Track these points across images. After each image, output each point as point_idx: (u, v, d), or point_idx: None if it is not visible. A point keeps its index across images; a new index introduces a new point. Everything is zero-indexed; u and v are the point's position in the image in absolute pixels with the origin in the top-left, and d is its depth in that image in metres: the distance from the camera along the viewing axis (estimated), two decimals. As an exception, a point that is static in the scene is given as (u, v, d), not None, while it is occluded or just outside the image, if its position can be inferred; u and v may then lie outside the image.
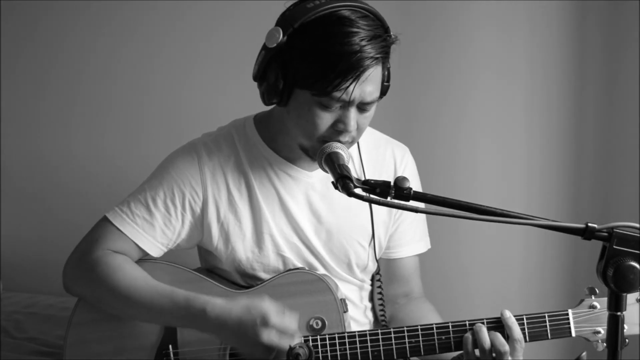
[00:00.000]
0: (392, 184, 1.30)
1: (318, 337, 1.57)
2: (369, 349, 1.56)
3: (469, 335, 1.54)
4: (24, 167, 2.69)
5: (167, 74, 2.56)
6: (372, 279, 1.81)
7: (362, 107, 1.52)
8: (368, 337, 1.56)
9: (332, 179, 1.40)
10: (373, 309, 1.82)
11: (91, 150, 2.63)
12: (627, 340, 1.45)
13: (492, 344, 1.52)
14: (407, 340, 1.56)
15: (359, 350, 1.56)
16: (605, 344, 1.28)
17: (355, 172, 1.70)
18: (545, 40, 2.31)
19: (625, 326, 1.34)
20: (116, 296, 1.58)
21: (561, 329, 1.55)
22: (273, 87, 1.53)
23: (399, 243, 1.78)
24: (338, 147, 1.48)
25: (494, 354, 1.52)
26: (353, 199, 1.31)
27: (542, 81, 2.33)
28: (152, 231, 1.64)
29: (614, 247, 1.15)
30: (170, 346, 1.61)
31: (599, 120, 2.32)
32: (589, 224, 1.16)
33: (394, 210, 1.74)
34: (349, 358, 1.56)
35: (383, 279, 1.77)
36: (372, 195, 1.31)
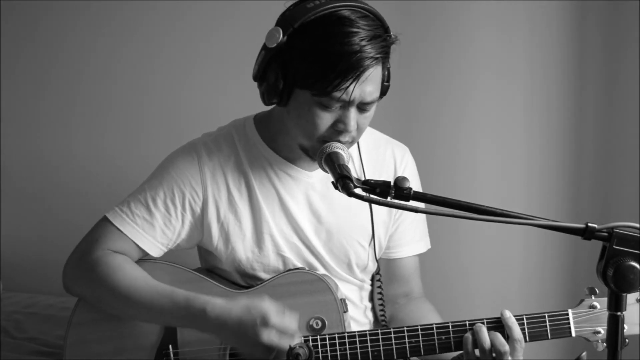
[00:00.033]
0: (392, 184, 1.30)
1: (318, 337, 1.57)
2: (369, 349, 1.56)
3: (469, 335, 1.54)
4: (24, 167, 2.69)
5: (167, 74, 2.56)
6: (372, 279, 1.81)
7: (362, 107, 1.52)
8: (368, 337, 1.56)
9: (332, 179, 1.40)
10: (373, 309, 1.83)
11: (91, 150, 2.63)
12: (627, 340, 1.45)
13: (492, 344, 1.52)
14: (407, 340, 1.56)
15: (359, 350, 1.56)
16: (605, 344, 1.28)
17: (355, 172, 1.70)
18: (545, 40, 2.31)
19: (625, 326, 1.34)
20: (116, 296, 1.58)
21: (561, 329, 1.55)
22: (273, 87, 1.53)
23: (399, 243, 1.78)
24: (338, 147, 1.48)
25: (494, 354, 1.52)
26: (353, 199, 1.31)
27: (542, 81, 2.33)
28: (152, 231, 1.64)
29: (614, 247, 1.15)
30: (170, 346, 1.61)
31: (599, 120, 2.32)
32: (589, 224, 1.16)
33: (394, 210, 1.74)
34: (349, 358, 1.56)
35: (383, 278, 1.77)
36: (372, 195, 1.31)
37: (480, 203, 1.25)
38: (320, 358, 1.56)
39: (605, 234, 1.16)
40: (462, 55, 2.36)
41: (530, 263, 2.42)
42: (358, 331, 1.58)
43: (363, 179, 1.36)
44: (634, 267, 1.14)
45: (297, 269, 1.68)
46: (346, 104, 1.50)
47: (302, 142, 1.57)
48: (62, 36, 2.62)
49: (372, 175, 1.70)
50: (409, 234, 1.78)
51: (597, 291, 1.55)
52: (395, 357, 1.57)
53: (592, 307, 1.54)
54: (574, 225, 1.17)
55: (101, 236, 1.63)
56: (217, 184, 1.66)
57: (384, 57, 1.51)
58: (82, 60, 2.61)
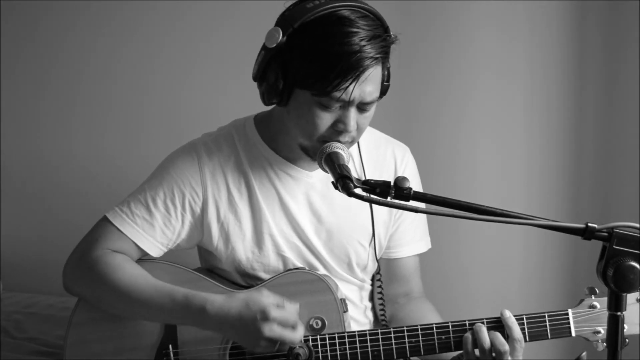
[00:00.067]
0: (392, 184, 1.30)
1: (318, 337, 1.57)
2: (369, 349, 1.56)
3: (468, 335, 1.54)
4: (24, 167, 2.69)
5: (167, 74, 2.56)
6: (373, 279, 1.81)
7: (362, 107, 1.52)
8: (368, 337, 1.57)
9: (332, 179, 1.40)
10: (373, 308, 1.83)
11: (91, 150, 2.63)
12: (627, 340, 1.45)
13: (492, 344, 1.52)
14: (407, 340, 1.56)
15: (358, 350, 1.56)
16: (605, 344, 1.28)
17: (355, 171, 1.70)
18: (545, 40, 2.31)
19: (625, 326, 1.34)
20: (116, 295, 1.58)
21: (561, 329, 1.55)
22: (273, 87, 1.53)
23: (400, 243, 1.78)
24: (338, 147, 1.48)
25: (493, 354, 1.52)
26: (353, 199, 1.31)
27: (542, 81, 2.33)
28: (151, 231, 1.64)
29: (614, 247, 1.15)
30: (170, 346, 1.61)
31: (599, 120, 2.32)
32: (589, 224, 1.16)
33: (395, 210, 1.74)
34: (348, 358, 1.56)
35: (383, 278, 1.77)
36: (372, 196, 1.31)
37: (480, 203, 1.25)
38: (320, 358, 1.56)
39: (605, 234, 1.16)
40: (462, 55, 2.36)
41: (530, 263, 2.42)
42: (358, 331, 1.58)
43: (363, 178, 1.36)
44: (634, 267, 1.14)
45: (297, 268, 1.68)
46: (346, 104, 1.50)
47: (302, 142, 1.57)
48: (62, 36, 2.62)
49: (373, 174, 1.70)
50: (409, 233, 1.78)
51: (597, 291, 1.55)
52: (395, 357, 1.57)
53: (592, 307, 1.54)
54: (574, 225, 1.17)
55: (101, 236, 1.63)
56: (217, 184, 1.66)
57: (383, 57, 1.51)
58: (82, 60, 2.61)
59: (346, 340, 1.57)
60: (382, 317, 1.78)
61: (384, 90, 1.57)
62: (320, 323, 1.60)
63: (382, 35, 1.49)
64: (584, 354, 1.49)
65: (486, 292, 2.43)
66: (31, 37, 2.63)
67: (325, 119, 1.51)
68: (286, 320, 1.48)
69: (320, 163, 1.48)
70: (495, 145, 2.40)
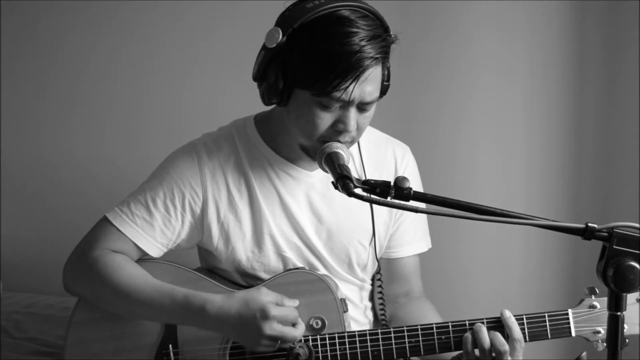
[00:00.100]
0: (392, 184, 1.30)
1: (318, 336, 1.57)
2: (369, 349, 1.56)
3: (468, 335, 1.54)
4: (24, 167, 2.69)
5: (167, 74, 2.56)
6: (373, 279, 1.81)
7: (362, 107, 1.52)
8: (368, 337, 1.57)
9: (332, 179, 1.40)
10: (373, 308, 1.83)
11: (91, 150, 2.63)
12: (627, 340, 1.45)
13: (492, 344, 1.52)
14: (407, 340, 1.56)
15: (358, 350, 1.56)
16: (605, 344, 1.28)
17: (355, 171, 1.70)
18: (545, 40, 2.31)
19: (625, 326, 1.34)
20: (116, 294, 1.58)
21: (561, 329, 1.55)
22: (273, 87, 1.53)
23: (400, 243, 1.78)
24: (338, 147, 1.48)
25: (493, 354, 1.52)
26: (354, 199, 1.31)
27: (542, 81, 2.33)
28: (151, 231, 1.64)
29: (614, 247, 1.15)
30: (170, 346, 1.61)
31: (599, 120, 2.32)
32: (589, 224, 1.16)
33: (395, 209, 1.73)
34: (348, 358, 1.56)
35: (383, 278, 1.77)
36: (372, 196, 1.31)
37: (480, 203, 1.25)
38: (320, 358, 1.56)
39: (605, 234, 1.16)
40: (462, 55, 2.36)
41: (530, 263, 2.42)
42: (358, 331, 1.58)
43: (363, 178, 1.36)
44: (634, 267, 1.14)
45: (297, 268, 1.68)
46: (346, 104, 1.50)
47: (302, 142, 1.57)
48: (62, 36, 2.62)
49: (373, 174, 1.70)
50: (409, 233, 1.78)
51: (597, 291, 1.55)
52: (395, 357, 1.57)
53: (592, 307, 1.54)
54: (574, 225, 1.17)
55: (101, 236, 1.63)
56: (217, 184, 1.66)
57: (383, 57, 1.51)
58: (82, 60, 2.61)
59: (346, 340, 1.57)
60: (382, 317, 1.78)
61: (384, 90, 1.57)
62: (320, 323, 1.60)
63: (382, 35, 1.49)
64: (584, 354, 1.49)
65: (486, 292, 2.43)
66: (31, 37, 2.63)
67: (325, 119, 1.51)
68: (286, 317, 1.49)
69: (320, 163, 1.48)
70: (495, 145, 2.40)
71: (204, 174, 1.65)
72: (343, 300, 1.64)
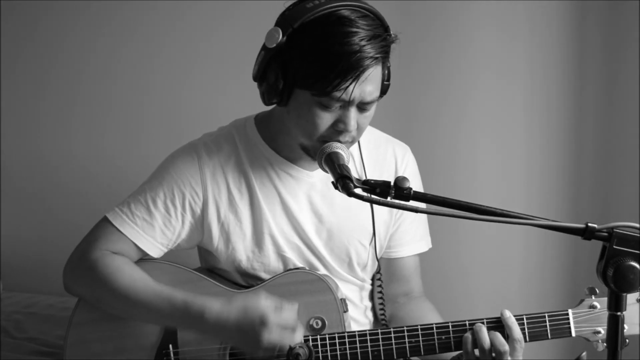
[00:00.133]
0: (392, 184, 1.30)
1: (318, 337, 1.57)
2: (369, 349, 1.56)
3: (468, 335, 1.54)
4: (24, 167, 2.69)
5: (167, 74, 2.56)
6: (372, 279, 1.81)
7: (362, 106, 1.52)
8: (368, 337, 1.57)
9: (332, 179, 1.40)
10: (373, 308, 1.83)
11: (91, 150, 2.63)
12: (627, 340, 1.45)
13: (492, 344, 1.52)
14: (407, 340, 1.56)
15: (359, 350, 1.56)
16: (605, 344, 1.28)
17: (356, 171, 1.70)
18: (545, 40, 2.31)
19: (625, 326, 1.35)
20: (115, 297, 1.58)
21: (561, 329, 1.55)
22: (273, 87, 1.52)
23: (400, 242, 1.78)
24: (338, 147, 1.48)
25: (493, 354, 1.52)
26: (354, 199, 1.31)
27: (542, 81, 2.33)
28: (151, 232, 1.64)
29: (614, 247, 1.15)
30: (170, 346, 1.61)
31: (599, 120, 2.32)
32: (589, 224, 1.16)
33: (395, 209, 1.73)
34: (349, 358, 1.56)
35: (383, 278, 1.77)
36: (372, 196, 1.31)
37: (480, 203, 1.25)
38: (320, 358, 1.56)
39: (605, 234, 1.16)
40: (462, 55, 2.35)
41: (530, 263, 2.42)
42: (358, 331, 1.58)
43: (364, 178, 1.36)
44: (634, 267, 1.14)
45: (297, 268, 1.68)
46: (346, 104, 1.50)
47: (302, 142, 1.57)
48: (62, 36, 2.62)
49: (373, 174, 1.70)
50: (409, 233, 1.78)
51: (597, 291, 1.55)
52: (395, 357, 1.57)
53: (592, 307, 1.54)
54: (574, 225, 1.17)
55: (101, 237, 1.63)
56: (218, 184, 1.66)
57: (383, 57, 1.50)
58: (82, 60, 2.61)
59: (346, 340, 1.57)
60: (382, 317, 1.78)
61: (384, 90, 1.57)
62: (320, 323, 1.60)
63: (382, 34, 1.48)
64: (584, 354, 1.49)
65: (486, 292, 2.43)
66: (31, 37, 2.63)
67: (325, 119, 1.51)
68: (285, 323, 1.48)
69: (320, 163, 1.48)
70: (495, 145, 2.40)
71: (204, 174, 1.65)
72: (343, 300, 1.64)
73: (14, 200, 2.68)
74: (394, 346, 1.56)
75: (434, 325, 1.56)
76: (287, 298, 1.57)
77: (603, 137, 2.32)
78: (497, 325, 1.54)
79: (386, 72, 1.55)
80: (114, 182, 2.55)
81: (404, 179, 1.30)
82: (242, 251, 1.67)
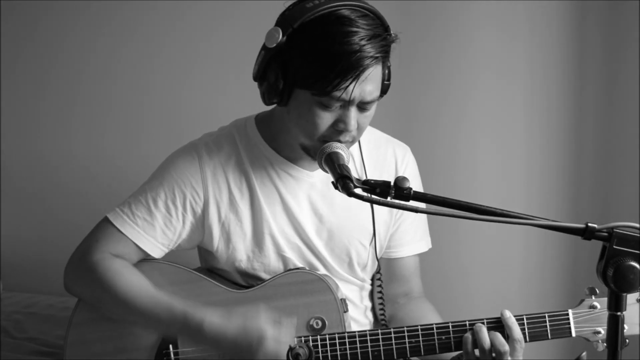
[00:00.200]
0: (392, 184, 1.30)
1: (318, 337, 1.57)
2: (369, 349, 1.56)
3: (468, 335, 1.54)
4: (24, 167, 2.69)
5: (167, 74, 2.56)
6: (372, 279, 1.81)
7: (363, 106, 1.52)
8: (368, 337, 1.56)
9: (332, 179, 1.40)
10: (373, 308, 1.82)
11: (91, 150, 2.63)
12: (627, 340, 1.45)
13: (492, 344, 1.52)
14: (407, 340, 1.56)
15: (359, 350, 1.56)
16: (605, 344, 1.28)
17: (356, 171, 1.70)
18: (545, 40, 2.31)
19: (625, 326, 1.35)
20: (114, 301, 1.58)
21: (561, 329, 1.55)
22: (273, 87, 1.52)
23: (400, 243, 1.78)
24: (338, 147, 1.48)
25: (493, 354, 1.52)
26: (354, 199, 1.31)
27: (542, 81, 2.33)
28: (152, 232, 1.63)
29: (614, 247, 1.15)
30: (170, 346, 1.61)
31: (599, 120, 2.32)
32: (589, 224, 1.16)
33: (395, 209, 1.73)
34: (349, 358, 1.56)
35: (383, 278, 1.77)
36: (372, 196, 1.30)
37: (480, 203, 1.24)
38: (321, 358, 1.56)
39: (605, 234, 1.16)
40: (462, 55, 2.35)
41: (530, 263, 2.42)
42: (358, 331, 1.58)
43: (364, 178, 1.36)
44: (634, 267, 1.14)
45: (298, 268, 1.68)
46: (346, 104, 1.50)
47: (303, 142, 1.57)
48: (62, 36, 2.62)
49: (373, 174, 1.70)
50: (409, 233, 1.78)
51: (597, 291, 1.55)
52: (395, 357, 1.57)
53: (592, 307, 1.54)
54: (574, 225, 1.17)
55: (102, 238, 1.63)
56: (218, 184, 1.66)
57: (383, 56, 1.50)
58: (82, 60, 2.61)
59: (346, 340, 1.57)
60: (382, 317, 1.78)
61: (384, 90, 1.56)
62: (320, 323, 1.60)
63: (382, 34, 1.48)
64: (584, 354, 1.49)
65: (486, 292, 2.43)
66: (31, 37, 2.63)
67: (325, 119, 1.51)
68: (283, 339, 1.49)
69: (320, 163, 1.48)
70: (495, 145, 2.40)
71: (204, 173, 1.65)
72: (343, 301, 1.64)
73: (14, 200, 2.68)
74: (394, 346, 1.56)
75: (434, 326, 1.56)
76: (287, 298, 1.57)
77: (603, 137, 2.32)
78: (497, 325, 1.54)
79: (386, 71, 1.55)
80: (114, 182, 2.55)
81: (404, 179, 1.30)
82: (243, 251, 1.67)
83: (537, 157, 2.38)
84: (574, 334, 1.55)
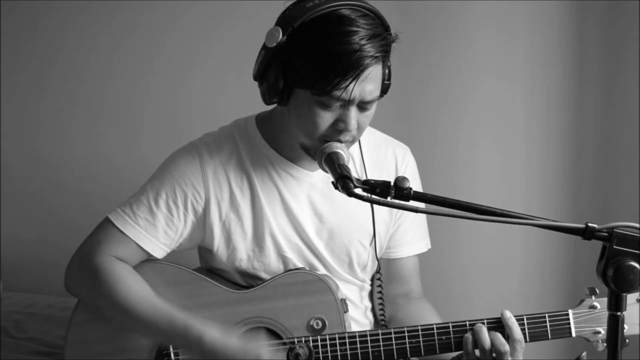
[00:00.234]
0: (392, 184, 1.30)
1: (318, 337, 1.57)
2: (369, 349, 1.56)
3: (469, 335, 1.54)
4: (24, 167, 2.69)
5: (167, 74, 2.56)
6: (372, 279, 1.81)
7: (363, 106, 1.52)
8: (368, 338, 1.56)
9: (332, 179, 1.40)
10: (373, 309, 1.82)
11: (91, 150, 2.63)
12: (627, 340, 1.45)
13: (492, 344, 1.52)
14: (407, 340, 1.56)
15: (359, 351, 1.56)
16: (605, 344, 1.28)
17: (356, 171, 1.70)
18: (545, 40, 2.31)
19: (625, 326, 1.35)
20: (115, 307, 1.58)
21: (561, 329, 1.55)
22: (273, 86, 1.52)
23: (400, 243, 1.78)
24: (338, 147, 1.48)
25: (494, 354, 1.52)
26: (354, 199, 1.31)
27: (542, 81, 2.33)
28: (154, 232, 1.63)
29: (614, 247, 1.15)
30: (171, 346, 1.61)
31: (599, 120, 2.32)
32: (589, 224, 1.16)
33: (395, 209, 1.73)
34: (349, 358, 1.56)
35: (383, 278, 1.77)
36: (372, 196, 1.31)
37: (480, 203, 1.24)
38: (321, 358, 1.56)
39: (605, 234, 1.16)
40: (462, 55, 2.36)
41: (530, 263, 2.42)
42: (358, 331, 1.58)
43: (364, 178, 1.36)
44: (634, 267, 1.14)
45: (298, 269, 1.67)
46: (346, 103, 1.50)
47: (303, 142, 1.57)
48: (62, 36, 2.62)
49: (373, 174, 1.70)
50: (409, 233, 1.78)
51: (597, 291, 1.55)
52: (395, 358, 1.57)
53: (592, 307, 1.54)
54: (574, 225, 1.17)
55: (103, 239, 1.63)
56: (219, 183, 1.66)
57: (384, 56, 1.50)
58: (82, 60, 2.61)
59: (346, 340, 1.57)
60: (382, 317, 1.78)
61: (384, 89, 1.56)
62: (320, 323, 1.60)
63: (382, 34, 1.48)
64: (584, 354, 1.49)
65: (486, 292, 2.43)
66: (31, 37, 2.63)
67: (325, 118, 1.51)
68: None
69: (320, 163, 1.48)
70: (495, 145, 2.40)
71: (205, 173, 1.65)
72: (343, 301, 1.64)
73: (14, 200, 2.68)
74: (394, 347, 1.56)
75: (435, 326, 1.56)
76: (287, 298, 1.57)
77: (603, 137, 2.32)
78: (498, 325, 1.54)
79: (387, 71, 1.55)
80: (114, 182, 2.55)
81: (404, 179, 1.30)
82: (243, 250, 1.67)
83: (537, 157, 2.38)
84: (574, 334, 1.55)
